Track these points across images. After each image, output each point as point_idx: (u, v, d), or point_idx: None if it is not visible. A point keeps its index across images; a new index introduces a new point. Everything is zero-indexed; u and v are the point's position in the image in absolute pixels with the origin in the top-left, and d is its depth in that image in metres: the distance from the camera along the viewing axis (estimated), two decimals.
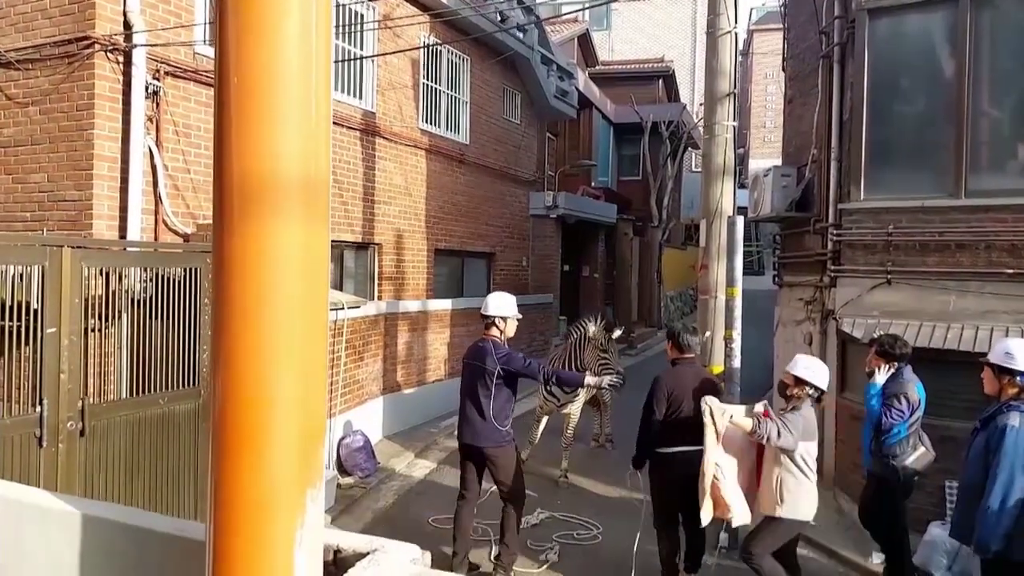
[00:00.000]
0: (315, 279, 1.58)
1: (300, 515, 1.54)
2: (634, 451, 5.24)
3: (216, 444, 1.54)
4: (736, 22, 5.98)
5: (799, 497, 4.40)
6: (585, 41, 22.08)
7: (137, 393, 4.81)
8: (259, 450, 1.51)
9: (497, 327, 5.25)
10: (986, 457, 3.95)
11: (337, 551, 1.78)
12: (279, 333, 1.52)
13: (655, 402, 4.97)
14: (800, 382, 4.47)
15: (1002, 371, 4.02)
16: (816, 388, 4.47)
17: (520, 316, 5.50)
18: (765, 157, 35.16)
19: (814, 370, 4.48)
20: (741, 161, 40.74)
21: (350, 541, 1.79)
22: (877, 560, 5.48)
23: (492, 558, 5.48)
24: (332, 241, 8.32)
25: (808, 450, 4.39)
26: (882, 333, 5.46)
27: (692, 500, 4.80)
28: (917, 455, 4.88)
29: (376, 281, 9.34)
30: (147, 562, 1.97)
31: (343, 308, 7.20)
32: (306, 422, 1.56)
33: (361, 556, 1.73)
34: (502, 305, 5.30)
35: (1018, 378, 3.95)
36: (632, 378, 6.81)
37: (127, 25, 5.95)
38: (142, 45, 5.99)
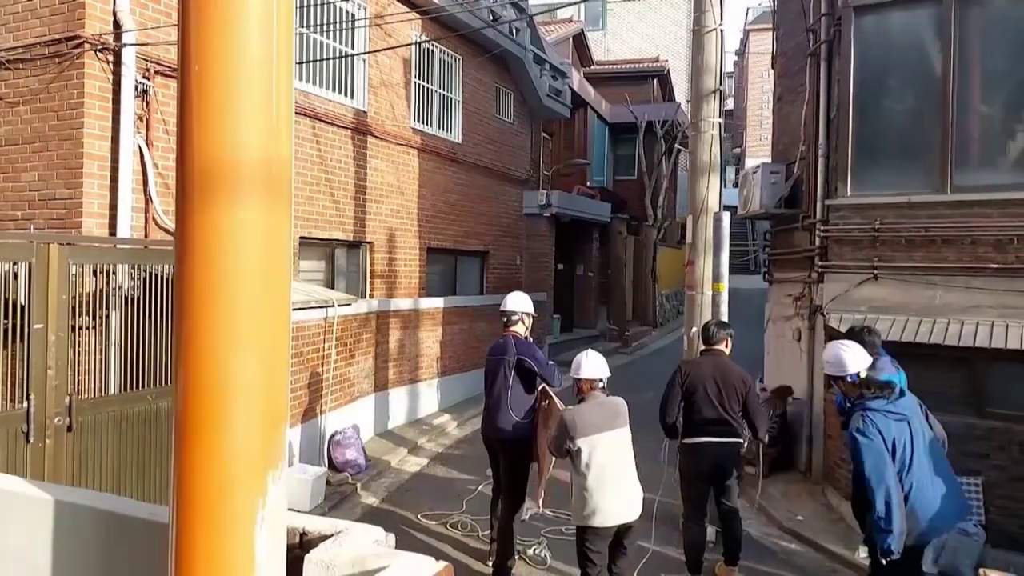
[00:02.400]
0: (277, 264, 1.60)
1: (261, 496, 1.57)
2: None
3: (178, 428, 1.57)
4: (722, 20, 6.01)
5: (578, 499, 4.19)
6: (580, 41, 22.13)
7: (126, 389, 4.84)
8: (220, 433, 1.54)
9: (523, 323, 5.48)
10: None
11: (303, 534, 1.81)
12: (240, 318, 1.55)
13: (667, 387, 5.18)
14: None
15: (836, 379, 4.12)
16: (577, 379, 4.37)
17: (535, 315, 5.75)
18: (761, 156, 35.17)
19: (577, 363, 4.39)
20: (738, 160, 40.75)
21: (315, 524, 1.82)
22: (863, 554, 5.49)
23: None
24: (323, 239, 8.33)
25: (583, 447, 4.13)
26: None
27: (722, 491, 5.10)
28: None
29: (368, 279, 9.37)
30: (121, 546, 2.00)
31: (333, 306, 7.23)
32: (268, 406, 1.59)
33: (326, 538, 1.76)
34: (523, 303, 5.52)
35: (848, 378, 4.02)
36: (625, 376, 6.85)
37: (117, 25, 5.97)
38: (132, 44, 6.02)
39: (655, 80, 23.75)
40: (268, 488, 1.58)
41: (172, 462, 1.59)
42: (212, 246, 1.53)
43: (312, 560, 1.64)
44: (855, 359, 4.07)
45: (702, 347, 5.42)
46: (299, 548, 1.78)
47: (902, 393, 4.06)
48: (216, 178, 1.52)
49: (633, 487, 4.30)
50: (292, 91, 1.66)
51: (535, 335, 5.87)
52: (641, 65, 24.56)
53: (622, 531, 4.28)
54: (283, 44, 1.59)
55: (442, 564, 1.63)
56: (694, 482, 5.13)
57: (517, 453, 5.30)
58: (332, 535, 1.75)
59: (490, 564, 5.33)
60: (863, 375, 4.04)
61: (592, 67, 23.09)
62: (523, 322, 5.48)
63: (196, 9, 1.52)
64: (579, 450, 4.13)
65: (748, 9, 47.65)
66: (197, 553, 1.55)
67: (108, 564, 2.01)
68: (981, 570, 4.95)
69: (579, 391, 4.39)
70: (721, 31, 6.03)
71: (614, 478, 4.16)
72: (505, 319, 5.47)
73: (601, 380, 4.34)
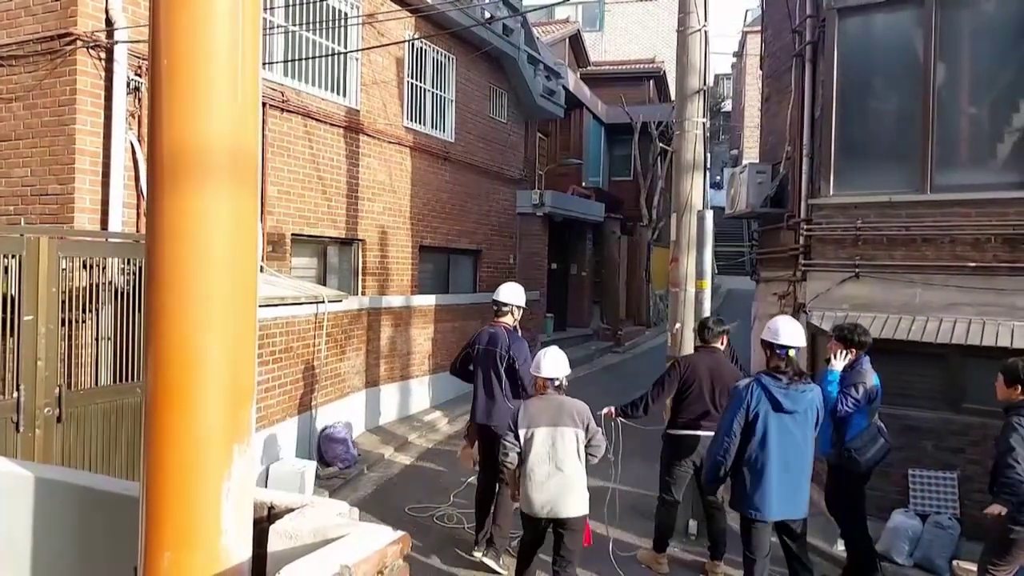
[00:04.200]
0: (243, 247, 1.69)
1: (227, 468, 1.65)
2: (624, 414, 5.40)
3: (148, 403, 1.65)
4: (706, 20, 6.09)
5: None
6: (576, 42, 22.21)
7: (116, 381, 4.91)
8: (187, 408, 1.62)
9: (513, 315, 5.64)
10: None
11: (271, 507, 1.89)
12: (207, 298, 1.63)
13: (665, 377, 5.28)
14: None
15: (765, 345, 4.32)
16: (534, 376, 4.49)
17: (526, 309, 5.89)
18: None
19: (537, 362, 4.46)
20: (736, 162, 40.85)
21: (283, 498, 1.90)
22: (841, 547, 5.58)
23: (483, 540, 5.55)
24: (315, 236, 8.38)
25: (522, 436, 4.27)
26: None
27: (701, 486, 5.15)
28: (877, 447, 5.00)
29: (360, 276, 9.45)
30: (95, 520, 2.08)
31: (324, 302, 7.30)
32: (234, 382, 1.67)
33: (293, 511, 1.84)
34: (516, 295, 5.68)
35: (778, 351, 4.23)
36: (617, 375, 6.91)
37: (109, 22, 6.05)
38: (123, 42, 6.10)
39: (651, 81, 23.83)
40: (234, 460, 1.66)
41: (142, 436, 1.67)
42: (180, 228, 1.61)
43: (276, 530, 1.72)
44: (789, 335, 4.23)
45: (697, 343, 5.49)
46: (266, 521, 1.86)
47: (804, 391, 4.22)
48: (184, 167, 1.61)
49: (565, 485, 4.17)
50: (258, 84, 1.74)
51: (531, 334, 5.99)
52: (637, 66, 24.64)
53: (557, 528, 4.28)
54: (249, 40, 1.67)
55: (399, 533, 1.71)
56: (675, 471, 5.29)
57: None
58: (298, 508, 1.84)
59: (476, 554, 5.40)
60: (791, 354, 4.22)
61: (588, 68, 23.17)
62: (512, 314, 5.64)
63: (166, 5, 1.61)
64: (520, 439, 4.26)
65: (747, 11, 47.73)
66: (166, 523, 1.63)
67: (83, 537, 2.09)
68: (955, 562, 5.05)
69: (535, 387, 4.53)
70: (705, 31, 6.11)
71: (541, 472, 4.18)
72: (496, 308, 5.64)
73: (557, 379, 4.35)
